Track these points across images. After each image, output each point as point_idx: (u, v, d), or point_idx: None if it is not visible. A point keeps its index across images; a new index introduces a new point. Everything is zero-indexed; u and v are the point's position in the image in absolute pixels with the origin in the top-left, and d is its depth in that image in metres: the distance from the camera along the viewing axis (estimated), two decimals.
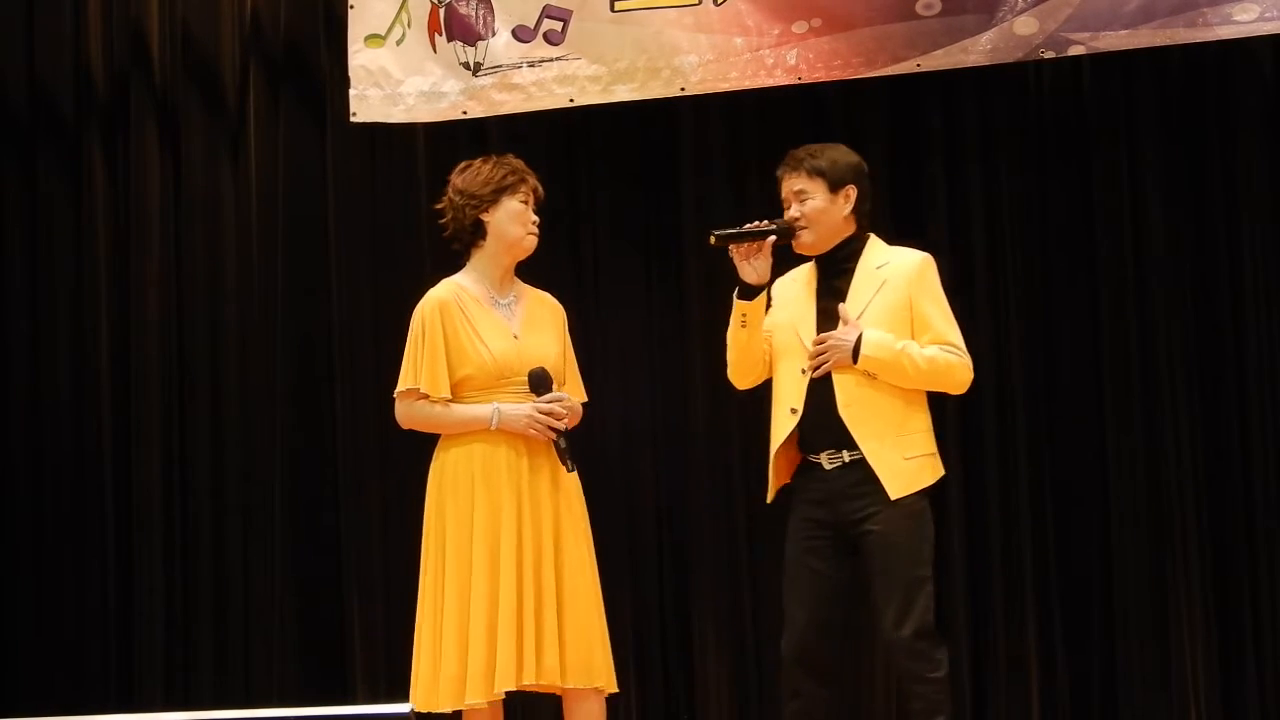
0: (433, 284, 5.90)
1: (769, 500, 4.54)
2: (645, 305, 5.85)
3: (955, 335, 4.44)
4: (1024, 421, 5.64)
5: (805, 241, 4.48)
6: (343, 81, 5.82)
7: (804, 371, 4.42)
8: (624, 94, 5.62)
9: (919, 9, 5.42)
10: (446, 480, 4.53)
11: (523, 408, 4.46)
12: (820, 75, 5.52)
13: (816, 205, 4.46)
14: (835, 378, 4.38)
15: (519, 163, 4.64)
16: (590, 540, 4.58)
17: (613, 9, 5.60)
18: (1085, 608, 5.60)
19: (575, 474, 4.55)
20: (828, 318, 4.44)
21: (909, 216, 5.69)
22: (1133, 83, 5.62)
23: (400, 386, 4.55)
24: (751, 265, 4.44)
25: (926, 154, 5.77)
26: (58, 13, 6.19)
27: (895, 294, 4.40)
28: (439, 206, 4.65)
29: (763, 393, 5.78)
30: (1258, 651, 5.48)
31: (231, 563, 6.01)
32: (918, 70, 5.46)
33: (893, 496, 4.32)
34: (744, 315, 4.46)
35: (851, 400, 4.36)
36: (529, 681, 4.38)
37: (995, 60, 5.43)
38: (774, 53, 5.51)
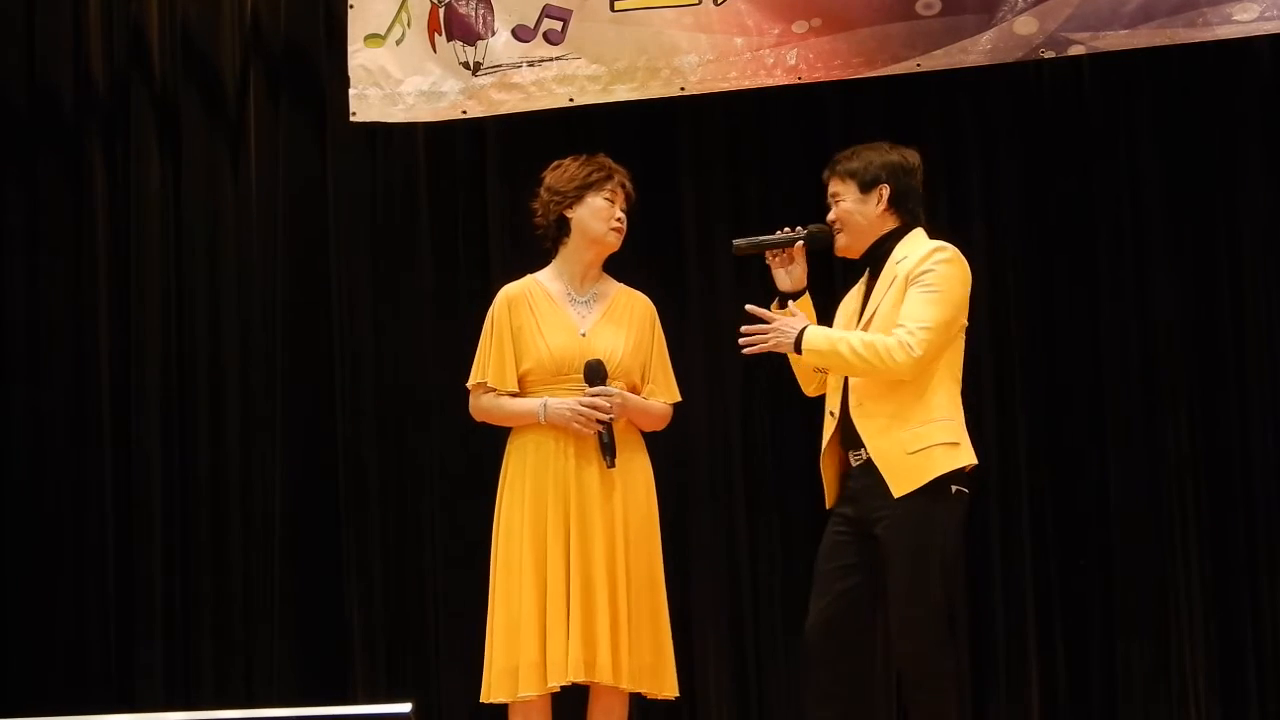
0: (432, 283, 5.96)
1: (829, 505, 4.50)
2: None
3: (917, 317, 4.27)
4: (1024, 421, 5.64)
5: (840, 244, 4.48)
6: (343, 81, 5.81)
7: (818, 370, 4.44)
8: (624, 94, 5.62)
9: (919, 9, 5.42)
10: (507, 476, 4.59)
11: (568, 401, 4.48)
12: (820, 75, 5.52)
13: (846, 207, 4.45)
14: (849, 379, 4.37)
15: (607, 160, 4.68)
16: (654, 538, 4.61)
17: (612, 9, 5.60)
18: (1085, 608, 5.59)
19: (649, 474, 4.62)
20: (858, 319, 4.43)
21: None
22: (1133, 82, 5.62)
23: (470, 380, 4.63)
24: (785, 272, 4.46)
25: (926, 154, 5.73)
26: (58, 13, 6.18)
27: (898, 289, 4.34)
28: (533, 205, 4.70)
29: (763, 391, 5.81)
30: (1258, 651, 5.48)
31: (231, 563, 6.01)
32: (918, 70, 5.46)
33: (895, 495, 4.26)
34: None
35: (861, 399, 4.35)
36: (578, 679, 4.41)
37: (995, 60, 5.43)
38: (774, 52, 5.51)
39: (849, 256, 4.51)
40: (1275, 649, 5.47)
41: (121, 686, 5.96)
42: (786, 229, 4.47)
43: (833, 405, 4.43)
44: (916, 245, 4.40)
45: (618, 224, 4.62)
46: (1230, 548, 5.53)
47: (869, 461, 4.32)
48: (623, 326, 4.62)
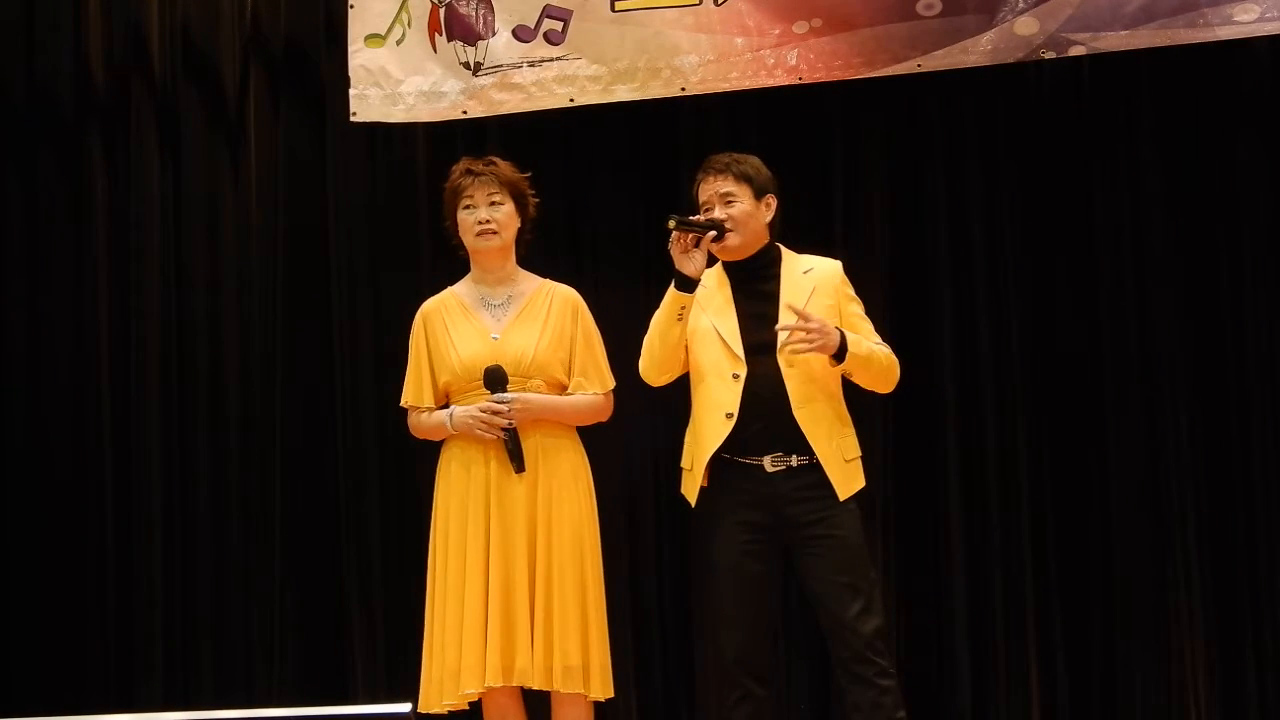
0: (431, 284, 5.95)
1: (694, 504, 4.55)
2: (644, 305, 5.84)
3: (878, 339, 4.58)
4: (1024, 422, 5.64)
5: (732, 244, 4.54)
6: (343, 81, 5.81)
7: (735, 377, 4.44)
8: (624, 94, 5.62)
9: (919, 9, 5.42)
10: (438, 487, 4.66)
11: (470, 409, 4.51)
12: (820, 75, 5.52)
13: (744, 209, 4.54)
14: (787, 380, 4.42)
15: (461, 164, 4.79)
16: (587, 540, 4.61)
17: (613, 9, 5.60)
18: (1085, 608, 5.60)
19: (580, 471, 4.62)
20: (759, 322, 4.47)
21: (908, 217, 5.70)
22: (1133, 83, 5.62)
23: (401, 402, 4.74)
24: (690, 258, 4.48)
25: (926, 154, 5.77)
26: (58, 12, 6.18)
27: (826, 298, 4.50)
28: None
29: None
30: (1258, 651, 5.48)
31: (232, 563, 6.01)
32: (918, 70, 5.46)
33: (841, 497, 4.40)
34: (683, 308, 4.49)
35: (803, 401, 4.41)
36: (494, 684, 4.43)
37: (996, 60, 5.43)
38: (774, 53, 5.51)
39: (730, 258, 4.57)
40: (1275, 649, 5.47)
41: (121, 686, 5.96)
42: (700, 216, 4.54)
43: (730, 407, 4.43)
44: (811, 258, 4.59)
45: (480, 227, 4.68)
46: (1230, 548, 5.53)
47: (802, 467, 4.40)
48: (537, 323, 4.66)
